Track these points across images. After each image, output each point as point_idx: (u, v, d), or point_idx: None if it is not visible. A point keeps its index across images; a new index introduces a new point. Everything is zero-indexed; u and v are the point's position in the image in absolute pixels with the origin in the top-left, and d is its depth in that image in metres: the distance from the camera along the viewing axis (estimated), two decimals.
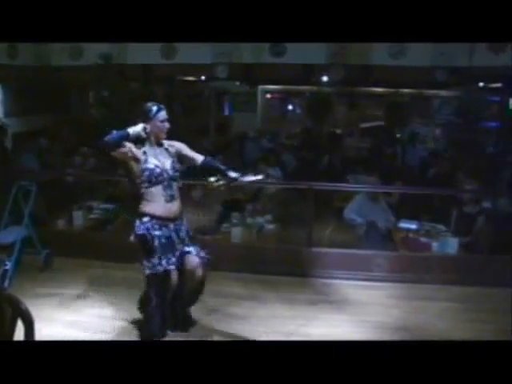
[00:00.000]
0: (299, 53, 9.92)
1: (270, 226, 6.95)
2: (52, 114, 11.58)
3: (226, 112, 16.08)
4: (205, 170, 4.32)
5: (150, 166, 4.03)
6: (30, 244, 5.91)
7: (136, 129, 3.98)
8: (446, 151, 11.18)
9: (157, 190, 4.06)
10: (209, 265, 4.31)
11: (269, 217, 7.11)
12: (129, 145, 3.99)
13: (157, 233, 4.07)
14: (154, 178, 4.03)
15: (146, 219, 4.08)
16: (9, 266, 5.45)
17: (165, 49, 10.62)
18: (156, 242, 4.07)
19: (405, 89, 14.36)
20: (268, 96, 16.04)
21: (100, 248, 6.35)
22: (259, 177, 4.43)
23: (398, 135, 13.65)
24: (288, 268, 5.94)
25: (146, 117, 4.07)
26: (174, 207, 4.16)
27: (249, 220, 6.90)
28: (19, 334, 2.50)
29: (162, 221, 4.09)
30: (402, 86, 13.94)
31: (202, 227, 6.77)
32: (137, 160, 4.03)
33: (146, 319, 4.33)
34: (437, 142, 13.91)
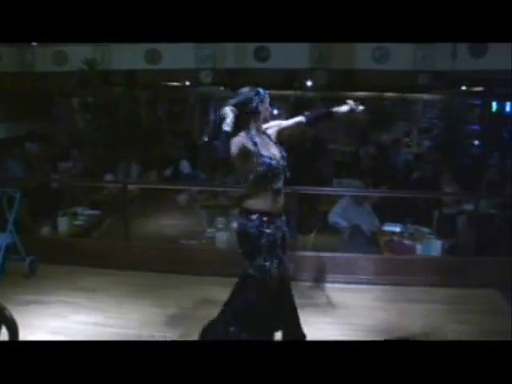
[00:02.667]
0: (283, 58, 10.00)
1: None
2: (36, 120, 11.54)
3: (211, 117, 16.03)
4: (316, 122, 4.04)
5: (265, 159, 3.63)
6: (15, 251, 5.88)
7: (228, 120, 3.50)
8: (429, 154, 11.25)
9: (268, 183, 3.67)
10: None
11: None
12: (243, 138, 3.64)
13: (267, 231, 3.70)
14: (270, 172, 3.63)
15: (252, 216, 3.71)
16: None
17: (149, 54, 10.65)
18: (264, 241, 3.69)
19: (388, 93, 14.45)
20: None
21: (85, 254, 6.33)
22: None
23: (382, 139, 13.72)
24: None
25: (257, 100, 3.70)
26: (281, 202, 3.80)
27: (234, 225, 6.91)
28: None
29: (269, 217, 3.72)
30: (386, 90, 14.03)
31: (187, 232, 6.79)
32: (249, 153, 3.63)
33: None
34: (420, 146, 14.01)
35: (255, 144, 3.64)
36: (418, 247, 6.27)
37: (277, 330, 4.08)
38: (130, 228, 6.50)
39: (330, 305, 5.39)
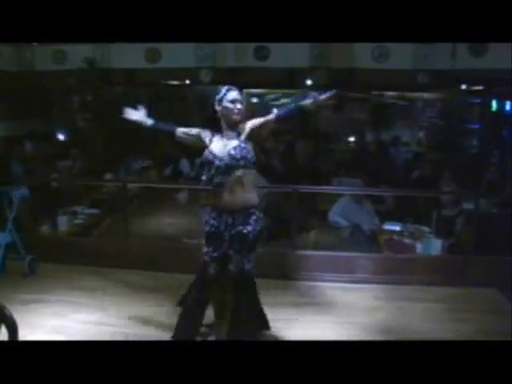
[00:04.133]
0: (283, 56, 9.99)
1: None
2: (36, 119, 11.53)
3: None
4: (288, 120, 4.10)
5: (206, 152, 3.92)
6: (15, 250, 5.88)
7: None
8: (429, 153, 11.26)
9: (211, 179, 3.88)
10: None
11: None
12: (199, 130, 4.06)
13: (211, 221, 4.00)
14: (207, 165, 3.90)
15: (208, 208, 4.05)
16: None
17: (149, 53, 10.64)
18: (207, 229, 4.02)
19: (388, 92, 14.44)
20: (254, 100, 16.01)
21: (85, 253, 6.33)
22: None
23: (382, 138, 13.72)
24: (272, 271, 5.95)
25: (216, 99, 3.95)
26: (229, 198, 3.88)
27: None
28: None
29: (216, 211, 3.98)
30: (385, 88, 14.01)
31: (187, 231, 6.79)
32: (204, 146, 3.98)
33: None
34: (420, 145, 14.01)
35: (210, 139, 3.97)
36: (418, 246, 6.28)
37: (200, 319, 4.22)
38: (129, 227, 6.50)
39: (330, 304, 5.38)
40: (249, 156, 3.87)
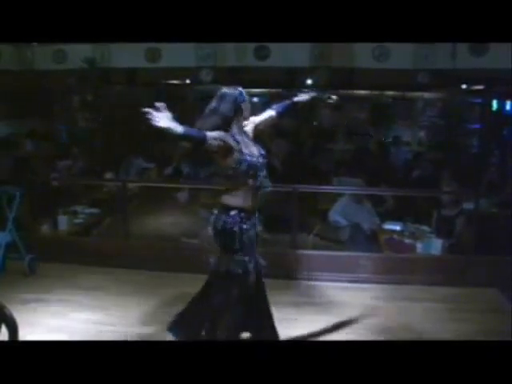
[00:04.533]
0: (283, 56, 9.98)
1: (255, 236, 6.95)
2: (36, 119, 11.53)
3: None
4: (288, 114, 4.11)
5: (247, 156, 3.68)
6: (15, 249, 5.88)
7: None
8: (429, 153, 11.26)
9: (245, 180, 3.72)
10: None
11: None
12: (220, 133, 3.63)
13: (245, 227, 3.78)
14: (251, 169, 3.70)
15: (231, 213, 3.77)
16: None
17: (149, 52, 10.63)
18: (244, 236, 3.78)
19: (388, 91, 14.44)
20: (254, 100, 16.00)
21: (85, 253, 6.33)
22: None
23: (382, 137, 13.73)
24: (273, 270, 5.94)
25: (234, 100, 3.74)
26: (257, 199, 3.83)
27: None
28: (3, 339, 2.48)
29: (246, 214, 3.80)
30: (386, 88, 14.01)
31: (187, 230, 6.79)
32: (230, 150, 3.66)
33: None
34: (420, 144, 14.00)
35: (237, 142, 3.69)
36: (419, 246, 6.27)
37: (246, 330, 4.11)
38: (129, 226, 6.50)
39: (330, 303, 5.39)
40: None
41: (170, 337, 4.21)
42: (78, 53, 10.46)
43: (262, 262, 4.02)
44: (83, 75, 10.39)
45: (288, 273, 5.99)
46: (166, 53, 10.61)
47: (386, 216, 7.20)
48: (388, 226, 6.93)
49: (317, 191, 7.44)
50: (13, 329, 2.92)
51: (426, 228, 6.74)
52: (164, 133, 3.38)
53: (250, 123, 3.94)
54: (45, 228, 6.92)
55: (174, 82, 13.67)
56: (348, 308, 5.27)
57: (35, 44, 10.90)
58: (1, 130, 10.52)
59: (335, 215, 7.13)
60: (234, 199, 3.77)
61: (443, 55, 9.69)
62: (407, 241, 6.45)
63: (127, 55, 10.57)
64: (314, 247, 6.69)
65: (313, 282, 5.90)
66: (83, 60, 10.28)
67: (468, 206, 6.60)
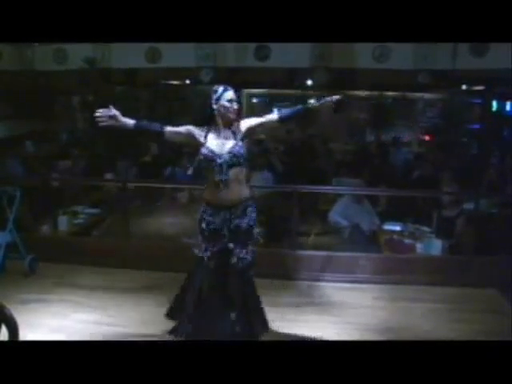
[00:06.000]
0: (283, 56, 9.98)
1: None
2: (36, 119, 11.53)
3: None
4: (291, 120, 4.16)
5: (204, 150, 3.90)
6: (15, 249, 5.88)
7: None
8: (430, 153, 11.26)
9: (211, 175, 3.92)
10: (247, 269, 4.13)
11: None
12: (190, 128, 4.00)
13: (208, 218, 4.02)
14: (207, 163, 3.90)
15: (203, 205, 4.06)
16: None
17: (149, 53, 10.63)
18: (204, 226, 4.04)
19: (388, 92, 14.45)
20: (254, 100, 16.03)
21: (85, 253, 6.33)
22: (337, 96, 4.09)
23: (382, 138, 13.73)
24: (272, 270, 5.95)
25: (213, 99, 3.93)
26: (226, 194, 3.94)
27: None
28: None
29: (213, 207, 4.00)
30: (386, 88, 14.02)
31: (187, 230, 6.77)
32: (199, 143, 3.95)
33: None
34: (421, 145, 14.01)
35: (205, 137, 3.95)
36: (419, 246, 6.27)
37: (222, 318, 4.17)
38: (129, 226, 6.50)
39: (330, 304, 5.38)
40: (244, 154, 3.96)
41: (169, 336, 4.22)
42: (78, 53, 10.47)
43: (244, 254, 4.08)
44: (83, 75, 10.39)
45: (288, 273, 5.99)
46: (166, 53, 10.62)
47: (382, 216, 7.20)
48: (388, 227, 6.93)
49: (317, 191, 7.44)
50: (13, 329, 2.92)
51: (426, 228, 6.74)
52: (119, 130, 3.89)
53: (245, 123, 4.03)
54: (45, 228, 6.92)
55: (174, 82, 13.67)
56: (348, 308, 5.27)
57: (35, 44, 10.91)
58: (1, 130, 10.51)
59: (335, 216, 7.13)
60: (204, 192, 4.07)
61: (443, 55, 9.71)
62: (407, 241, 6.45)
63: (127, 55, 10.58)
64: (315, 247, 6.69)
65: (313, 283, 5.89)
66: (83, 60, 10.29)
67: (468, 206, 6.61)
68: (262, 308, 4.34)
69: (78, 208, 7.64)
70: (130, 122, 3.95)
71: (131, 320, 4.87)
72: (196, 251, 4.13)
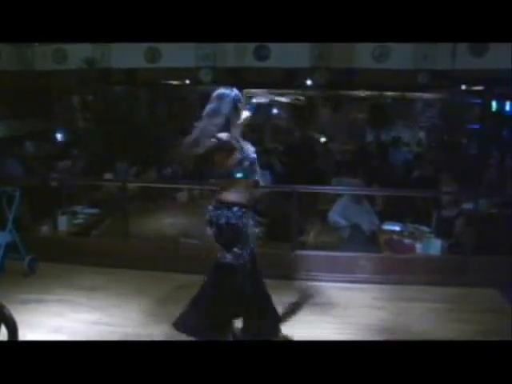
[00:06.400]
0: (283, 56, 9.99)
1: (255, 230, 6.97)
2: (36, 119, 11.53)
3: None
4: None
5: (250, 154, 3.89)
6: (14, 249, 5.87)
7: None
8: (430, 153, 11.27)
9: (244, 177, 3.87)
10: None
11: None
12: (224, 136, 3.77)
13: (245, 221, 3.95)
14: (250, 166, 3.88)
15: (234, 208, 3.89)
16: None
17: (149, 53, 10.64)
18: (240, 228, 3.93)
19: (388, 92, 14.45)
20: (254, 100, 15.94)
21: (85, 253, 6.33)
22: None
23: (382, 138, 13.75)
24: (272, 271, 5.95)
25: (234, 101, 3.87)
26: (255, 195, 4.02)
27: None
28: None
29: (245, 209, 3.95)
30: (386, 88, 14.02)
31: (186, 230, 6.78)
32: (233, 150, 3.82)
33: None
34: (420, 145, 14.02)
35: (238, 141, 3.84)
36: (418, 246, 6.27)
37: (238, 317, 4.18)
38: (129, 226, 6.50)
39: (330, 304, 5.38)
40: None
41: (171, 336, 4.22)
42: (78, 53, 10.47)
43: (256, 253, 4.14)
44: (83, 75, 10.39)
45: (288, 273, 5.99)
46: (166, 53, 10.63)
47: (381, 216, 7.21)
48: (387, 227, 6.94)
49: (316, 192, 7.44)
50: (12, 329, 2.92)
51: (425, 228, 6.74)
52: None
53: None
54: (44, 228, 6.92)
55: (174, 82, 13.68)
56: (348, 308, 5.27)
57: (35, 44, 10.91)
58: (0, 130, 10.51)
59: (335, 216, 7.13)
60: (235, 196, 3.89)
61: (443, 56, 9.71)
62: (407, 241, 6.45)
63: (127, 55, 10.59)
64: (314, 247, 6.70)
65: (313, 283, 5.89)
66: (83, 60, 10.29)
67: (468, 206, 6.61)
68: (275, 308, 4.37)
69: (78, 208, 7.65)
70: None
71: (131, 320, 4.86)
72: (229, 259, 3.96)
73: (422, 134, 14.73)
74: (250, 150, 3.94)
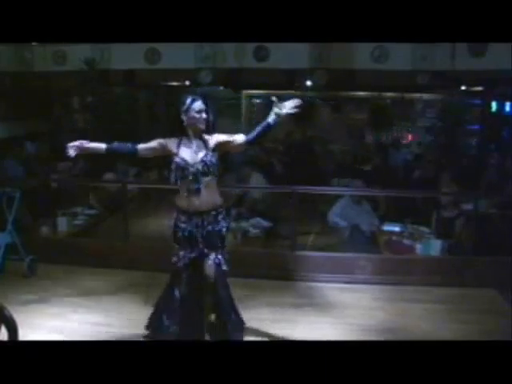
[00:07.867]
0: (282, 57, 9.97)
1: (255, 231, 6.97)
2: (36, 120, 11.52)
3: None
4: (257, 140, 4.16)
5: (178, 159, 3.99)
6: (14, 250, 5.88)
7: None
8: (430, 154, 11.26)
9: (184, 184, 4.00)
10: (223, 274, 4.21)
11: (253, 221, 7.14)
12: (161, 141, 4.07)
13: (182, 225, 4.11)
14: (180, 172, 3.98)
15: (175, 213, 4.17)
16: None
17: (148, 53, 10.62)
18: (180, 233, 4.13)
19: (388, 92, 14.44)
20: (257, 101, 15.93)
21: (85, 254, 6.33)
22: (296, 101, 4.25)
23: (382, 139, 13.74)
24: (272, 272, 5.96)
25: (182, 110, 3.99)
26: (198, 201, 4.03)
27: (233, 225, 6.90)
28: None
29: (186, 215, 4.09)
30: (385, 89, 14.01)
31: None
32: (172, 153, 4.03)
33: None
34: (420, 146, 14.00)
35: (178, 146, 4.03)
36: (418, 247, 6.27)
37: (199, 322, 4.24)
38: (129, 227, 6.50)
39: (330, 304, 5.39)
40: (216, 163, 4.05)
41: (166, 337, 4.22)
42: (77, 53, 10.46)
43: (218, 259, 4.16)
44: (83, 76, 10.38)
45: (288, 274, 5.99)
46: (166, 54, 10.61)
47: (380, 217, 7.21)
48: (387, 227, 6.93)
49: (316, 192, 7.44)
50: (13, 330, 2.92)
51: (425, 229, 6.74)
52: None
53: (215, 138, 4.08)
54: (44, 229, 6.92)
55: (174, 83, 13.67)
56: (347, 309, 5.27)
57: (35, 44, 10.90)
58: (0, 130, 10.50)
59: (334, 216, 7.13)
60: (176, 200, 4.15)
61: (442, 56, 9.70)
62: (406, 242, 6.45)
63: (127, 56, 10.56)
64: (314, 248, 6.70)
65: (312, 283, 5.90)
66: (83, 61, 10.28)
67: (467, 206, 6.61)
68: (236, 309, 4.42)
69: (78, 209, 7.65)
70: (102, 146, 4.06)
71: (131, 320, 4.86)
72: (174, 259, 4.20)
73: (421, 135, 14.71)
74: (194, 159, 3.99)
